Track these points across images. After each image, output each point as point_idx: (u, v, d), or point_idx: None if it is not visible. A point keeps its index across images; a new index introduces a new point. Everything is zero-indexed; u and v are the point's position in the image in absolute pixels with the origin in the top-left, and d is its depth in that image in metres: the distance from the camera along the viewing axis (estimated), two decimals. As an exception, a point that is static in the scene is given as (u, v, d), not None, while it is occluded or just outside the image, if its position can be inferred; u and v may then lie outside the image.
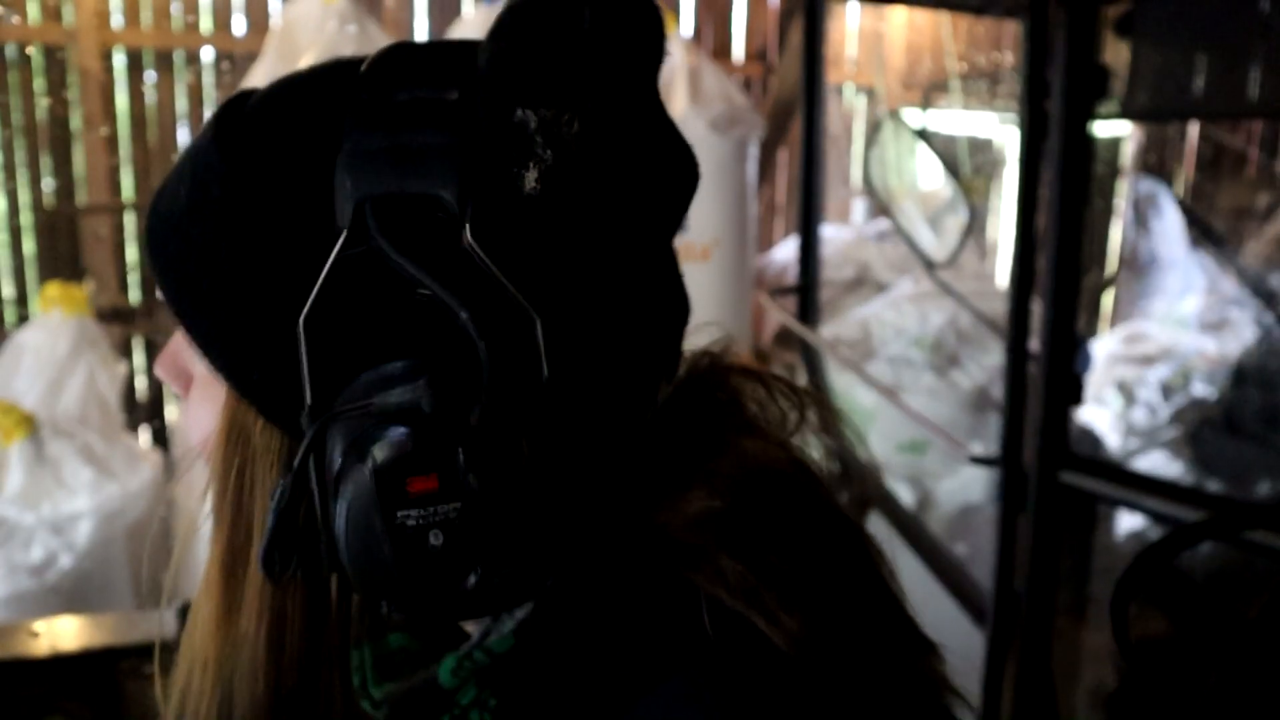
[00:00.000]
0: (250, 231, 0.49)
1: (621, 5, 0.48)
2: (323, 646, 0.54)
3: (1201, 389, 3.45)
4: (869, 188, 2.60)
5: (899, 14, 5.30)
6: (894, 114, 2.62)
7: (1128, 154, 4.85)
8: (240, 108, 0.52)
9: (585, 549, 0.51)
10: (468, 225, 0.45)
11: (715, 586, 0.49)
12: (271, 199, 0.48)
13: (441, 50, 0.50)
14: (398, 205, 0.45)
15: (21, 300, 4.19)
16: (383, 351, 0.47)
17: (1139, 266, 4.31)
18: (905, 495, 2.95)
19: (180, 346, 0.55)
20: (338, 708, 0.55)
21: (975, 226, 3.01)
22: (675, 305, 0.56)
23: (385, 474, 0.44)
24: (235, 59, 4.30)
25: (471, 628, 0.55)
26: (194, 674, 0.55)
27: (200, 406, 0.55)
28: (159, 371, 0.58)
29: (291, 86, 0.52)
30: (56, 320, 3.25)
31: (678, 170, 0.54)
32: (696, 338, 0.61)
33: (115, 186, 4.28)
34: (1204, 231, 3.94)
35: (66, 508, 2.86)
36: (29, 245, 4.19)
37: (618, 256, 0.50)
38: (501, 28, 0.47)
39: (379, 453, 0.45)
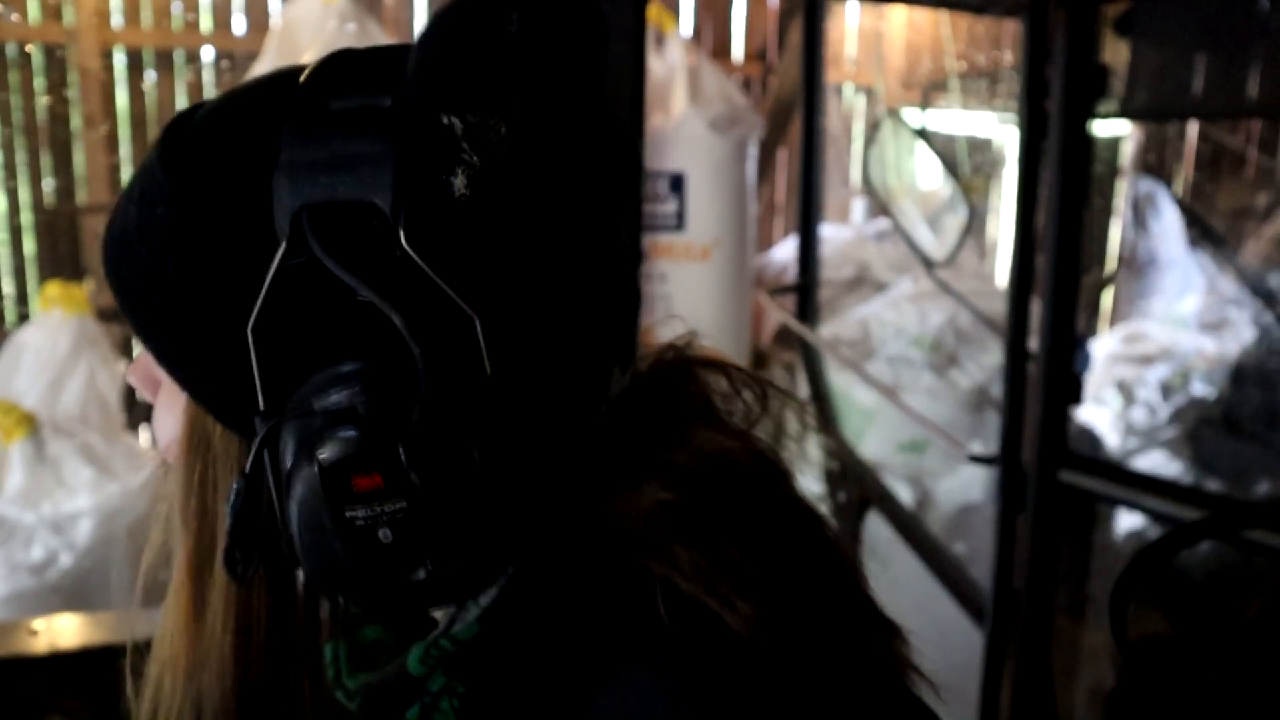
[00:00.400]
0: (195, 247, 0.49)
1: (552, 8, 0.47)
2: (289, 644, 0.55)
3: (1201, 389, 3.45)
4: (868, 187, 2.61)
5: (898, 13, 5.30)
6: (893, 113, 2.63)
7: (1127, 154, 4.85)
8: (185, 125, 0.52)
9: (541, 538, 0.52)
10: (402, 231, 0.46)
11: (670, 573, 0.50)
12: (215, 214, 0.49)
13: (379, 56, 0.51)
14: (334, 213, 0.46)
15: (22, 299, 4.19)
16: (330, 354, 0.48)
17: (1138, 266, 4.31)
18: (905, 495, 2.95)
19: (138, 373, 0.57)
20: (307, 705, 0.56)
21: (974, 226, 3.01)
22: (625, 295, 0.56)
23: (331, 473, 0.46)
24: (235, 58, 4.31)
25: (440, 615, 0.56)
26: (165, 675, 0.56)
27: (166, 412, 0.56)
28: (130, 378, 0.58)
29: (233, 101, 0.52)
30: (57, 319, 3.26)
31: (618, 163, 0.55)
32: (662, 331, 0.61)
33: (115, 186, 4.28)
34: (1203, 231, 3.94)
35: (67, 507, 2.86)
36: (29, 244, 4.19)
37: (555, 253, 0.51)
38: (428, 34, 0.47)
39: (324, 453, 0.46)
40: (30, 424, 2.86)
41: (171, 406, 0.55)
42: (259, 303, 0.47)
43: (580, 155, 0.52)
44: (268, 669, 0.54)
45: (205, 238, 0.49)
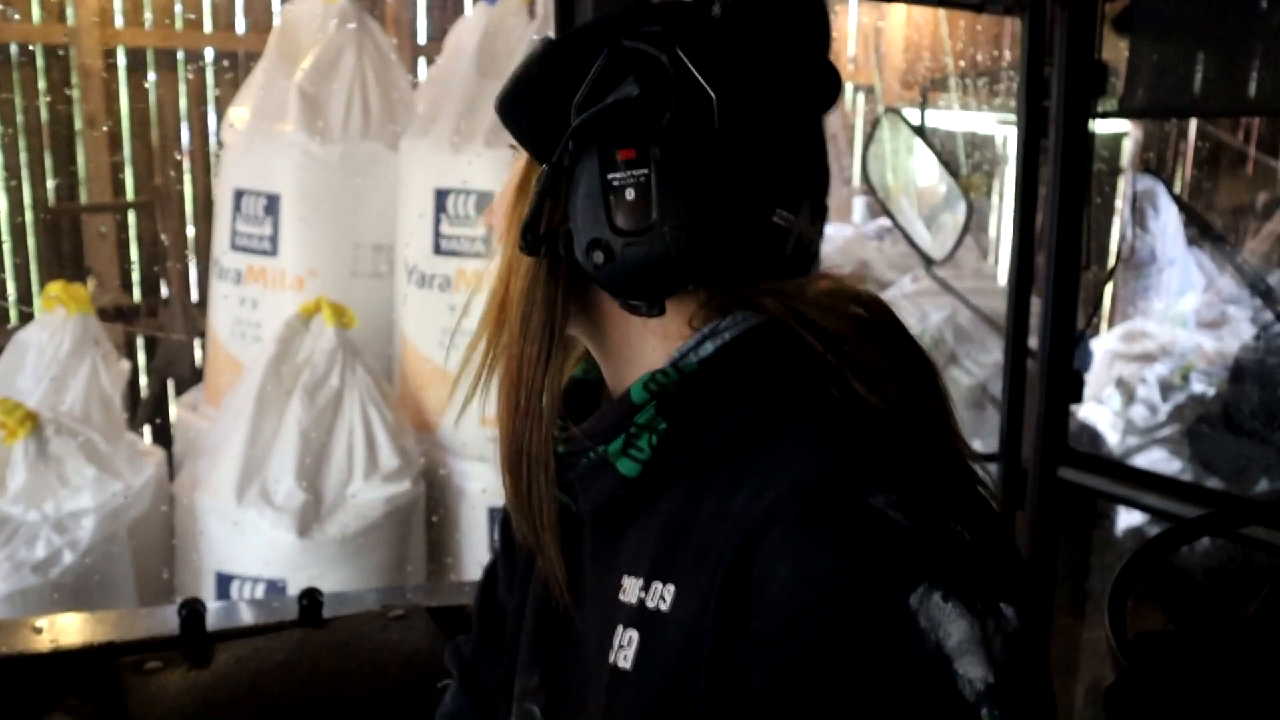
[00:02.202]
0: (556, 65, 0.75)
1: None
2: (551, 333, 0.75)
3: (1200, 386, 3.46)
4: (868, 186, 2.61)
5: (898, 12, 5.30)
6: (893, 112, 2.63)
7: (1127, 151, 4.85)
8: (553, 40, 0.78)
9: (731, 256, 0.72)
10: (676, 43, 0.70)
11: (841, 363, 0.71)
12: (569, 51, 0.74)
13: None
14: (645, 37, 0.71)
15: (25, 298, 4.20)
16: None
17: (1138, 264, 4.31)
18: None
19: (495, 207, 0.82)
20: (547, 415, 0.76)
21: (974, 224, 3.01)
22: (815, 136, 0.77)
23: (604, 148, 0.70)
24: (237, 58, 4.31)
25: (662, 357, 0.75)
26: (478, 349, 0.79)
27: (500, 207, 0.81)
28: (485, 221, 0.84)
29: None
30: (59, 319, 3.26)
31: (816, 61, 0.77)
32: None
33: (118, 185, 4.29)
34: (1202, 229, 3.94)
35: (69, 505, 2.87)
36: (32, 244, 4.20)
37: (770, 66, 0.74)
38: None
39: (603, 137, 0.70)
40: (33, 422, 2.87)
41: (508, 184, 0.80)
42: (586, 84, 0.71)
43: (793, 29, 0.75)
44: (539, 353, 0.75)
45: (562, 60, 0.74)
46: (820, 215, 0.78)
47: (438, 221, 3.32)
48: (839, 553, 0.62)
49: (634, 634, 0.71)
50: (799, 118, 0.76)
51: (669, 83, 0.69)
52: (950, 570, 0.62)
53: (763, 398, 0.71)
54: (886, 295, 3.78)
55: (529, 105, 0.76)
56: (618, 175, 0.69)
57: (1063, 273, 1.87)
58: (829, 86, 0.78)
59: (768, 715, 0.63)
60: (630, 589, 0.72)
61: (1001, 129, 4.66)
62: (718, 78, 0.70)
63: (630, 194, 0.69)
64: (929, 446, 0.70)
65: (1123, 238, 4.35)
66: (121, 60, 4.20)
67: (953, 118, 4.49)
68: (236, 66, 4.28)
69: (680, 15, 0.72)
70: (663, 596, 0.70)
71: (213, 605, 1.40)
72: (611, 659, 0.71)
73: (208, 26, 4.35)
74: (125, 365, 3.63)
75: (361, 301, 3.45)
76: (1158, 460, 3.34)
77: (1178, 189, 4.70)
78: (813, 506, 0.64)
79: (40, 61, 4.10)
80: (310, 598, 1.43)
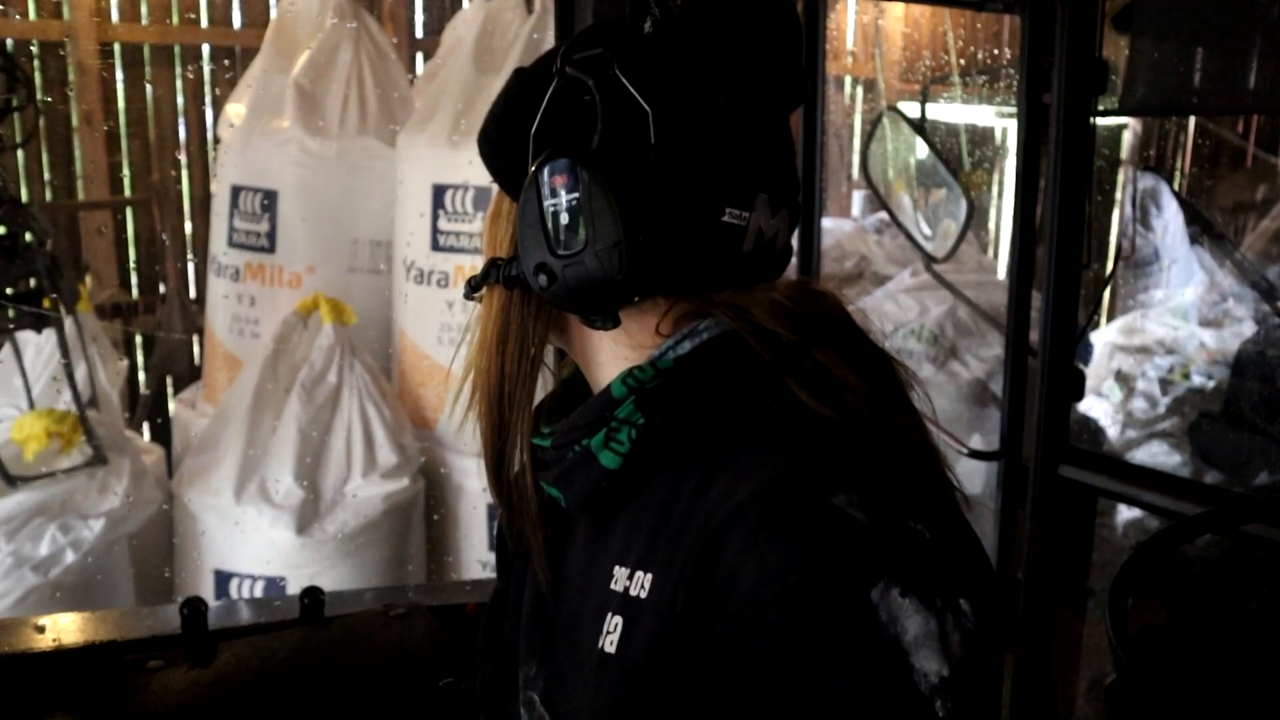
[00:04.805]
0: (519, 100, 0.79)
1: None
2: (523, 352, 0.80)
3: (1201, 381, 3.46)
4: (868, 181, 2.61)
5: (897, 6, 5.29)
6: (893, 110, 2.62)
7: (1127, 146, 4.84)
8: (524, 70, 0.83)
9: (670, 267, 0.74)
10: (614, 61, 0.73)
11: (790, 374, 0.73)
12: (530, 82, 0.79)
13: None
14: (583, 61, 0.74)
15: (22, 296, 4.19)
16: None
17: (1140, 262, 4.31)
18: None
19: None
20: (524, 423, 0.80)
21: (974, 219, 3.01)
22: (768, 132, 0.78)
23: (540, 178, 0.73)
24: (234, 54, 4.30)
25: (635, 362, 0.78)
26: (465, 376, 0.83)
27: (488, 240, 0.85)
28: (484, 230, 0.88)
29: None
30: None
31: (771, 59, 0.78)
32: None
33: (115, 183, 4.29)
34: (1203, 225, 3.94)
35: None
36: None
37: (706, 80, 0.75)
38: None
39: (539, 167, 0.73)
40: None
41: (488, 214, 0.85)
42: (539, 114, 0.75)
43: (733, 26, 0.77)
44: (517, 370, 0.79)
45: (523, 93, 0.79)
46: (784, 206, 0.79)
47: (436, 218, 3.32)
48: (801, 549, 0.64)
49: (619, 620, 0.74)
50: (748, 116, 0.77)
51: (595, 106, 0.73)
52: (909, 567, 0.64)
53: (735, 397, 0.74)
54: (886, 289, 3.79)
55: (496, 141, 0.81)
56: (553, 201, 0.73)
57: (1063, 271, 1.87)
58: (787, 82, 0.79)
59: (732, 706, 0.66)
60: (619, 578, 0.75)
61: (1002, 121, 4.66)
62: (653, 92, 0.73)
63: (565, 218, 0.72)
64: (890, 449, 0.72)
65: (1123, 235, 4.35)
66: (118, 57, 4.19)
67: (953, 110, 4.48)
68: (234, 63, 4.27)
69: (620, 34, 0.75)
70: (643, 584, 0.73)
71: (214, 604, 1.40)
72: (600, 644, 0.75)
73: (204, 23, 4.34)
74: (123, 363, 3.62)
75: (359, 298, 3.45)
76: (1158, 454, 3.33)
77: (1177, 185, 4.70)
78: (777, 506, 0.67)
79: (37, 59, 4.08)
80: (312, 596, 1.43)
